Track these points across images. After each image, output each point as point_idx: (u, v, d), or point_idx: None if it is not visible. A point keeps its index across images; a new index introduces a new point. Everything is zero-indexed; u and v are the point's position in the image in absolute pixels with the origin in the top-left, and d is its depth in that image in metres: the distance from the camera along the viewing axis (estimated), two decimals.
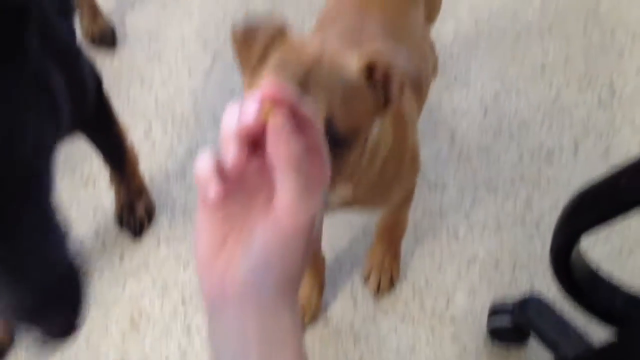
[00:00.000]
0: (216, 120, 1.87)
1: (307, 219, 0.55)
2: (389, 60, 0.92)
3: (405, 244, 1.65)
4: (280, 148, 0.52)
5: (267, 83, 0.52)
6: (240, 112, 0.52)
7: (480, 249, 1.66)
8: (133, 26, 2.09)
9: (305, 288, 1.52)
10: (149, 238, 1.67)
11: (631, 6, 2.18)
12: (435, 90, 1.90)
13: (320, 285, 1.55)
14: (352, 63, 0.92)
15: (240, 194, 0.56)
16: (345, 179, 1.05)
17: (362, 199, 1.20)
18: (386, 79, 0.93)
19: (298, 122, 0.53)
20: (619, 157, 1.82)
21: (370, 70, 0.93)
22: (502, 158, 1.82)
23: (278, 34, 0.93)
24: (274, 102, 0.51)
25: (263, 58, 0.92)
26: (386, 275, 1.59)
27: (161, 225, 1.69)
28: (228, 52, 2.00)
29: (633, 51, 2.06)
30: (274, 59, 0.92)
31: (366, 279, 1.61)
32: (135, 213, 1.65)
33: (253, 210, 0.56)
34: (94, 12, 2.01)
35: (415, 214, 1.70)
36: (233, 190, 0.55)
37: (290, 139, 0.52)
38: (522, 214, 1.72)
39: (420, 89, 1.36)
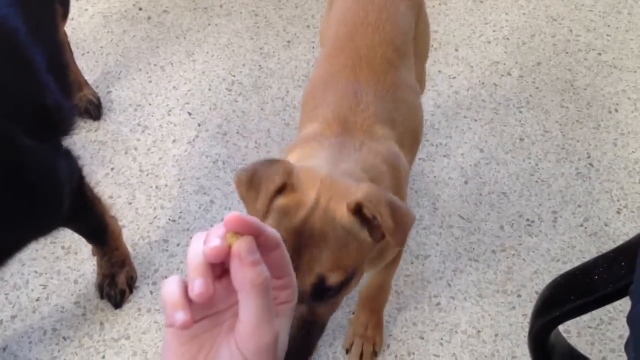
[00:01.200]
0: (200, 189, 1.89)
1: (270, 338, 0.54)
2: (374, 199, 0.95)
3: (388, 313, 1.65)
4: (243, 274, 0.53)
5: (230, 215, 0.53)
6: (206, 239, 0.54)
7: (462, 318, 1.66)
8: (119, 97, 2.12)
9: None
10: (131, 307, 1.66)
11: (605, 81, 2.25)
12: (417, 160, 1.94)
13: None
14: (344, 210, 0.96)
15: (208, 314, 0.57)
16: None
17: None
18: (375, 217, 0.96)
19: (264, 242, 0.55)
20: (597, 227, 1.85)
21: (357, 211, 0.96)
22: (483, 228, 1.84)
23: (282, 182, 0.96)
24: (238, 229, 0.53)
25: (270, 203, 0.96)
26: (369, 345, 1.57)
27: (143, 294, 1.68)
28: (212, 122, 2.04)
29: (609, 124, 2.11)
30: (274, 209, 0.96)
31: (348, 349, 1.59)
32: (116, 284, 1.64)
33: (221, 329, 0.57)
34: (80, 84, 2.04)
35: (397, 282, 1.70)
36: (200, 313, 0.56)
37: (253, 264, 0.53)
38: (503, 283, 1.73)
39: (414, 143, 1.40)
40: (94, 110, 2.04)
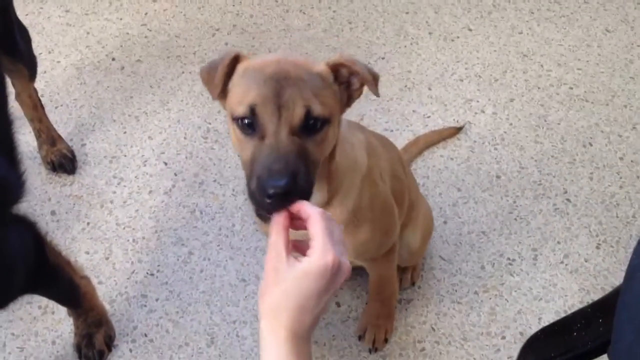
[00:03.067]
0: (178, 240, 1.87)
1: (333, 260, 0.84)
2: (351, 60, 1.08)
3: None
4: (318, 224, 0.88)
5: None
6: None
7: None
8: (93, 149, 2.10)
9: None
10: None
11: (578, 115, 2.27)
12: None
13: None
14: (317, 64, 1.07)
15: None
16: (324, 180, 1.19)
17: (350, 232, 1.30)
18: (351, 74, 1.09)
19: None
20: (578, 263, 1.85)
21: (336, 70, 1.08)
22: (464, 268, 1.83)
23: (234, 57, 1.06)
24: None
25: (227, 77, 1.06)
26: (380, 333, 1.66)
27: (122, 353, 1.65)
28: (189, 171, 2.03)
29: (584, 158, 2.13)
30: (238, 73, 1.06)
31: (361, 336, 1.68)
32: (94, 345, 1.61)
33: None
34: (53, 139, 2.03)
35: None
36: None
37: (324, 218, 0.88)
38: (487, 325, 1.72)
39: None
40: (68, 164, 2.02)
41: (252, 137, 1.01)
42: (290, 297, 0.84)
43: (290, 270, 0.85)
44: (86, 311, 1.60)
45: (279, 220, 0.92)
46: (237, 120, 1.02)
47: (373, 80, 1.09)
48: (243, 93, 1.02)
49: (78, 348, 1.62)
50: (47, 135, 2.02)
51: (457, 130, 2.18)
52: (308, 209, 0.90)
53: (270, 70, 1.02)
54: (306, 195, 0.99)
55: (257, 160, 0.99)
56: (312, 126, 1.02)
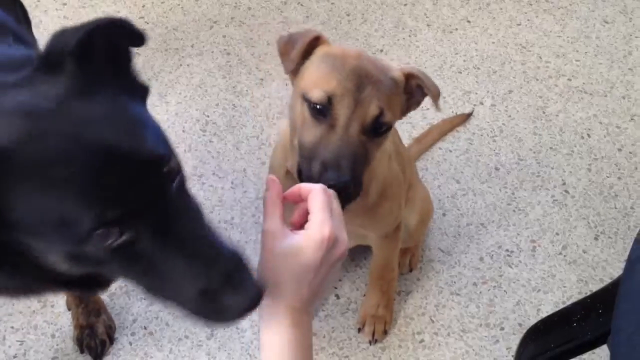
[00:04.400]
0: None
1: (327, 233, 0.83)
2: (423, 74, 1.12)
3: (371, 354, 1.64)
4: (312, 186, 0.88)
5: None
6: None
7: (447, 354, 1.65)
8: None
9: None
10: None
11: (577, 107, 2.27)
12: None
13: None
14: (394, 70, 1.10)
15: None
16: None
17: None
18: (418, 87, 1.13)
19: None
20: (576, 255, 1.85)
21: (408, 79, 1.12)
22: (463, 260, 1.83)
23: (315, 38, 1.09)
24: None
25: (305, 55, 1.09)
26: (380, 324, 1.67)
27: (122, 345, 1.65)
28: (187, 164, 2.03)
29: (582, 149, 2.13)
30: (317, 55, 1.09)
31: (360, 328, 1.68)
32: (96, 335, 1.61)
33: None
34: None
35: None
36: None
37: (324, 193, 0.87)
38: (486, 316, 1.72)
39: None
40: None
41: (321, 122, 1.04)
42: (288, 270, 0.84)
43: (287, 244, 0.85)
44: (87, 298, 1.60)
45: (272, 199, 0.89)
46: (309, 103, 1.04)
47: (438, 95, 1.13)
48: (322, 78, 1.04)
49: (79, 340, 1.62)
50: None
51: (467, 116, 2.19)
52: (309, 186, 0.90)
53: (353, 63, 1.05)
54: (356, 196, 1.03)
55: (323, 146, 1.02)
56: (378, 129, 1.05)
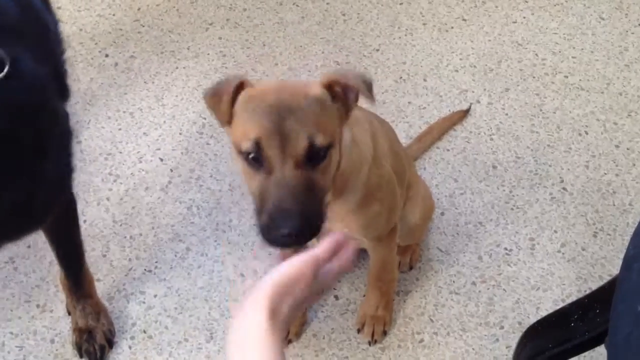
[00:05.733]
0: (176, 237, 1.87)
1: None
2: (344, 75, 1.09)
3: (371, 354, 1.64)
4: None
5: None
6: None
7: (446, 354, 1.65)
8: (88, 146, 2.09)
9: None
10: None
11: (574, 104, 2.27)
12: None
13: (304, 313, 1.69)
14: (314, 87, 1.07)
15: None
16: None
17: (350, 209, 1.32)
18: (345, 90, 1.09)
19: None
20: (575, 252, 1.85)
21: (331, 87, 1.08)
22: (462, 259, 1.83)
23: (239, 84, 1.07)
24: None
25: (232, 104, 1.07)
26: (379, 325, 1.67)
27: (121, 350, 1.65)
28: (184, 167, 2.03)
29: (579, 147, 2.13)
30: (240, 102, 1.06)
31: (360, 329, 1.68)
32: (95, 339, 1.61)
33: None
34: None
35: None
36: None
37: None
38: (485, 315, 1.72)
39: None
40: None
41: (259, 171, 1.04)
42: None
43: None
44: (85, 296, 1.60)
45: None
46: (243, 154, 1.04)
47: (367, 88, 1.08)
48: (247, 126, 1.04)
49: (78, 345, 1.62)
50: None
51: (465, 113, 2.19)
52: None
53: (271, 101, 1.03)
54: (318, 230, 1.02)
55: (266, 195, 1.02)
56: (316, 155, 1.03)
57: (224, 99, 1.05)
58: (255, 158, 1.03)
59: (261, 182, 1.04)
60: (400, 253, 1.76)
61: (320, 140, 1.02)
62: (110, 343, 1.64)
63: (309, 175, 1.03)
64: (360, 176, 1.28)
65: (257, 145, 1.01)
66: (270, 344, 0.79)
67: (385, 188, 1.38)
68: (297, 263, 0.87)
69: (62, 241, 1.55)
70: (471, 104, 2.23)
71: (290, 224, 0.98)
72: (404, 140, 2.11)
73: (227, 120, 1.08)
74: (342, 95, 1.10)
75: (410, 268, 1.80)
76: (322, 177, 1.07)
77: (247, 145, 1.02)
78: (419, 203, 1.67)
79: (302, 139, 1.00)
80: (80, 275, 1.60)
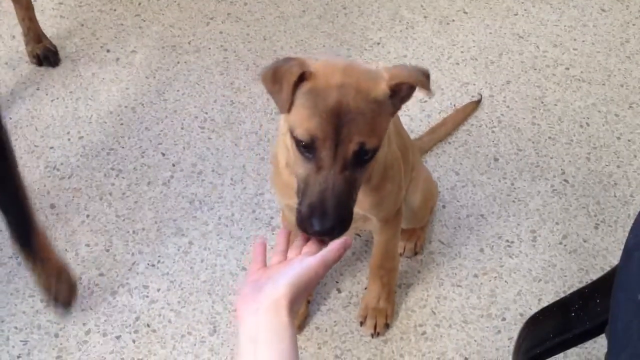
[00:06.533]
0: (178, 231, 1.87)
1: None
2: (410, 75, 1.11)
3: (374, 347, 1.64)
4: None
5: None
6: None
7: (449, 345, 1.66)
8: (91, 141, 2.10)
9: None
10: (114, 359, 1.63)
11: (575, 96, 2.27)
12: None
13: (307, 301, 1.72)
14: (379, 85, 1.09)
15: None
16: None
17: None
18: (407, 88, 1.12)
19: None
20: (576, 244, 1.86)
21: (396, 87, 1.10)
22: (464, 252, 1.84)
23: (301, 71, 1.07)
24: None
25: (294, 92, 1.08)
26: (382, 317, 1.67)
27: (125, 344, 1.65)
28: (186, 162, 2.03)
29: (581, 138, 2.13)
30: (302, 91, 1.08)
31: (362, 322, 1.69)
32: (58, 297, 1.62)
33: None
34: (39, 36, 2.32)
35: None
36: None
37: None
38: (487, 307, 1.73)
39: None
40: (52, 57, 2.32)
41: (309, 161, 1.08)
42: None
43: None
44: (42, 260, 1.58)
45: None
46: (296, 140, 1.08)
47: (427, 81, 1.12)
48: (306, 118, 1.06)
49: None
50: (35, 33, 2.31)
51: (477, 103, 2.20)
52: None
53: (334, 100, 1.05)
54: (347, 229, 1.09)
55: (311, 185, 1.08)
56: (363, 156, 1.08)
57: (285, 89, 1.07)
58: (307, 148, 1.07)
59: (308, 172, 1.09)
60: (405, 238, 1.78)
61: (370, 144, 1.07)
62: (73, 293, 1.65)
63: (354, 175, 1.10)
64: (381, 159, 1.31)
65: (312, 142, 1.05)
66: (292, 334, 0.92)
67: (397, 166, 1.40)
68: (312, 265, 0.98)
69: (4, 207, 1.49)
70: (481, 95, 2.23)
71: (326, 224, 1.05)
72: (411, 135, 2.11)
73: (287, 109, 1.09)
74: (401, 93, 1.13)
75: (415, 253, 1.81)
76: (364, 175, 1.13)
77: (302, 134, 1.06)
78: (420, 184, 1.68)
79: (354, 144, 1.05)
80: (31, 239, 1.54)
